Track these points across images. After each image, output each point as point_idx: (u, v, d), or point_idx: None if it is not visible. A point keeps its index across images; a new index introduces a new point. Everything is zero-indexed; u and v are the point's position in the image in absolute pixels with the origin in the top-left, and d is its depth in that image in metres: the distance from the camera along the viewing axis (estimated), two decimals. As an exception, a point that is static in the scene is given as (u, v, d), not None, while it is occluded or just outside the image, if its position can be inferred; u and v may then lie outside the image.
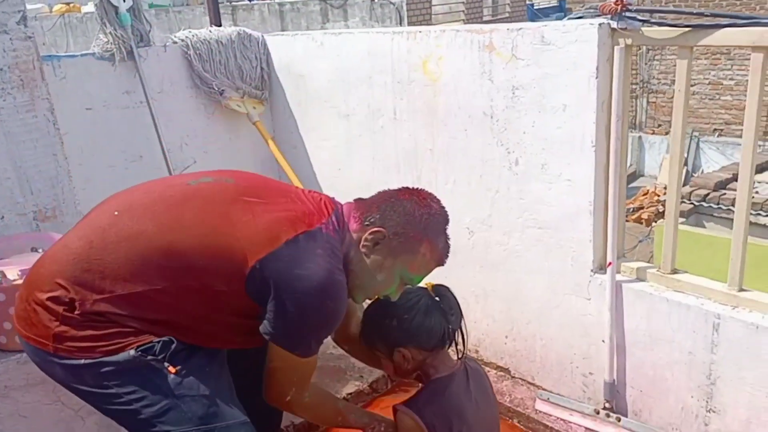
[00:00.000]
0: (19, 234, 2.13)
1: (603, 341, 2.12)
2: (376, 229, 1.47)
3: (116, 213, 1.42)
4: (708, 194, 6.95)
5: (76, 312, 1.33)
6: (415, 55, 2.47)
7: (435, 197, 1.58)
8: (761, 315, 1.79)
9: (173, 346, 1.37)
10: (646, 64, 13.68)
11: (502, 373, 2.52)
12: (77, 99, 2.66)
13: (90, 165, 2.70)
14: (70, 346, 1.34)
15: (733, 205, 5.71)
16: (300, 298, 1.37)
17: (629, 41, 1.92)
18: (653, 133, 12.90)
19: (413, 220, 1.49)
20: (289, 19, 14.27)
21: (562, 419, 2.23)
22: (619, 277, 2.07)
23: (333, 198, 1.58)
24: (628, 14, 1.89)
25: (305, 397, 1.55)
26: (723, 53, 11.91)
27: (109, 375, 1.35)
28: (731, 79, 11.89)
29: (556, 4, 21.76)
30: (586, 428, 2.18)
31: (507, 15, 17.66)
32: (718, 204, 6.71)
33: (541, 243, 2.24)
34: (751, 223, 1.83)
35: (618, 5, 1.88)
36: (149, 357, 1.35)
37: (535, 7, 19.93)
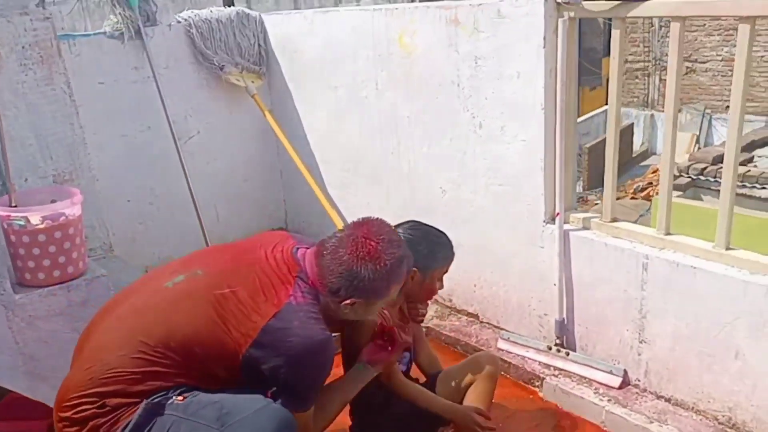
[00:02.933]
0: (41, 188, 2.43)
1: (554, 284, 2.37)
2: (346, 302, 1.58)
3: (108, 329, 1.57)
4: (705, 168, 7.06)
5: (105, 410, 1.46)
6: (392, 30, 2.72)
7: (386, 239, 1.57)
8: (682, 255, 2.03)
9: (180, 388, 1.52)
10: (658, 41, 13.55)
11: (471, 319, 2.80)
12: (91, 74, 2.96)
13: (103, 134, 3.01)
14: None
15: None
16: (292, 373, 1.52)
17: (572, 14, 2.15)
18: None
19: (377, 284, 1.56)
20: (302, 0, 14.46)
21: (519, 355, 2.49)
22: (567, 226, 2.32)
23: (295, 248, 1.64)
24: (571, -10, 2.12)
25: (316, 421, 1.67)
26: (735, 29, 11.80)
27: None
28: (743, 55, 11.77)
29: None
30: (540, 362, 2.44)
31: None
32: (715, 178, 6.79)
33: (502, 198, 2.49)
34: (745, 195, 2.00)
35: (562, -18, 2.11)
36: (157, 398, 1.48)
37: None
